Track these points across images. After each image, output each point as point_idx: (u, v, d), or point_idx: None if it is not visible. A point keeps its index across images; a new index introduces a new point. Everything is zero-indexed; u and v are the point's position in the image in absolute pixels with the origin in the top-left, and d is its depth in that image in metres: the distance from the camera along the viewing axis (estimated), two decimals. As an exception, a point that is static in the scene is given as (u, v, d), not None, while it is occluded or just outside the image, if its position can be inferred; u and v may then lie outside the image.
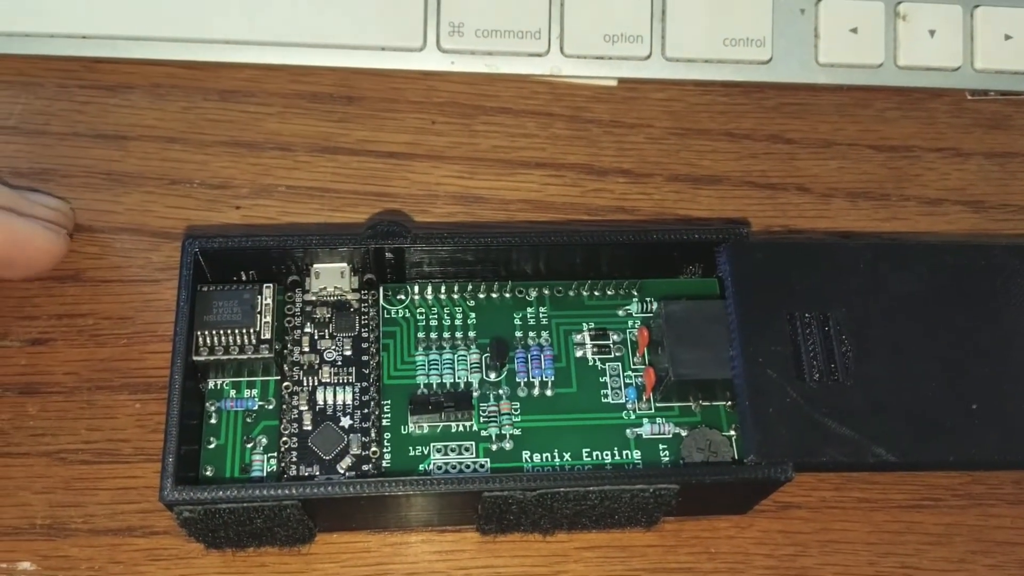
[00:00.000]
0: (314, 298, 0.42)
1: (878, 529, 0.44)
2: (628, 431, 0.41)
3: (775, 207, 0.51)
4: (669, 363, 0.40)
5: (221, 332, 0.40)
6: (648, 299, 0.44)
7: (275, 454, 0.40)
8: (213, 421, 0.41)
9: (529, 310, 0.44)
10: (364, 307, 0.42)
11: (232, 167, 0.49)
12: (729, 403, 0.42)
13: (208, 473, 0.40)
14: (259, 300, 0.40)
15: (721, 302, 0.41)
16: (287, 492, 0.36)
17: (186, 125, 0.50)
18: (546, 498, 0.37)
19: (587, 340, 0.43)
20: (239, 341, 0.40)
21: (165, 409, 0.38)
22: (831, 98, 0.54)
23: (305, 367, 0.41)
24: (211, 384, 0.41)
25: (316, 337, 0.42)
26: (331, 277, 0.42)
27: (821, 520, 0.44)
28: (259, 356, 0.40)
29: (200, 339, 0.40)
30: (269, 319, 0.40)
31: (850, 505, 0.45)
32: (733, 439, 0.41)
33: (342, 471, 0.40)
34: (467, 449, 0.41)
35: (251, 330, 0.40)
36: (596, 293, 0.44)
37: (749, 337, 0.40)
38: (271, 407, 0.41)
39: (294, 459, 0.40)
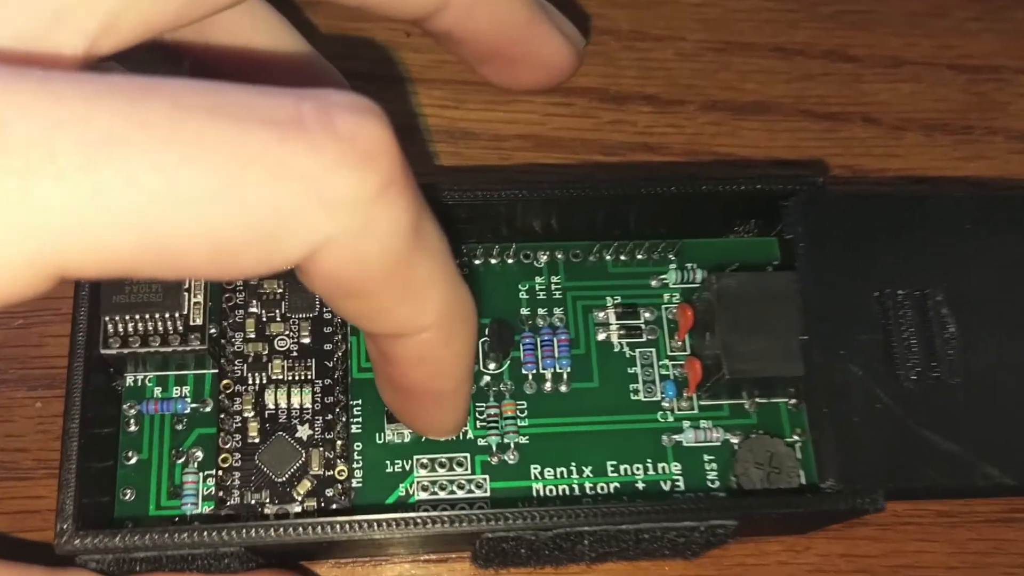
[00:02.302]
0: (261, 267, 0.33)
1: (961, 550, 0.36)
2: (665, 438, 0.33)
3: (836, 143, 0.42)
4: (722, 355, 0.31)
5: (136, 317, 0.30)
6: (689, 265, 0.35)
7: (213, 472, 0.31)
8: (133, 428, 0.31)
9: (538, 280, 0.34)
10: (326, 279, 0.33)
11: None
12: (792, 401, 0.33)
13: (127, 498, 0.31)
14: (187, 273, 0.31)
15: (788, 274, 0.32)
16: (226, 538, 0.27)
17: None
18: (566, 539, 0.29)
19: (612, 319, 0.34)
20: (161, 329, 0.30)
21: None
22: (900, 5, 0.45)
23: (250, 360, 0.32)
24: (129, 380, 0.32)
25: (264, 319, 0.32)
26: (283, 240, 0.33)
27: (892, 540, 0.36)
28: (188, 348, 0.30)
29: (109, 327, 0.30)
30: (200, 298, 0.31)
31: (927, 520, 0.36)
32: (798, 447, 0.32)
33: (299, 497, 0.30)
34: (460, 464, 0.32)
35: (176, 314, 0.30)
36: (623, 257, 0.35)
37: (827, 322, 0.31)
38: (208, 409, 0.32)
39: (237, 481, 0.31)
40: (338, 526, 0.28)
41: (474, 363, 0.27)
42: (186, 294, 0.31)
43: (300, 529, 0.28)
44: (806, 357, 0.31)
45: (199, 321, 0.31)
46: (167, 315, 0.30)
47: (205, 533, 0.27)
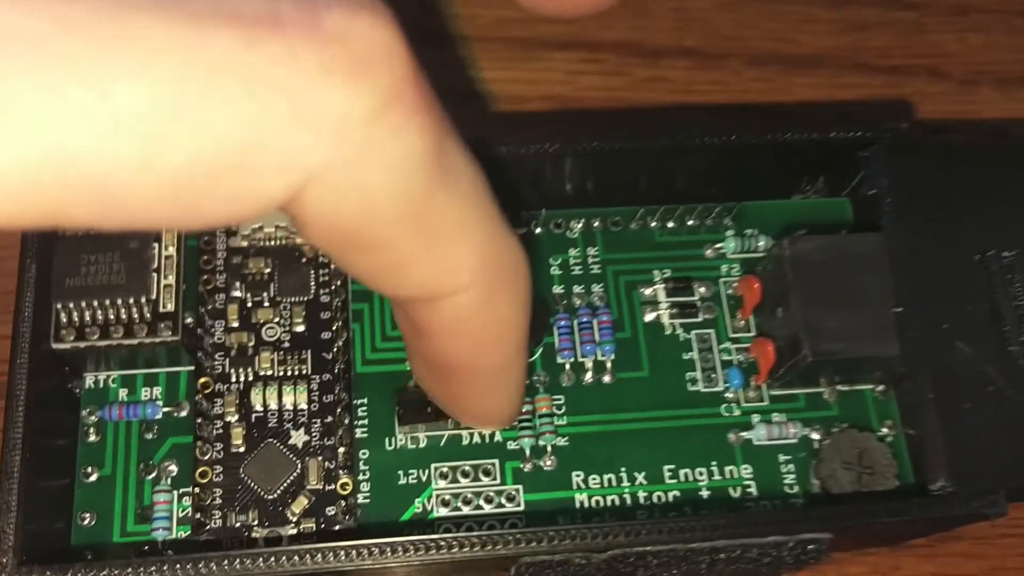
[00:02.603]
0: (245, 243, 0.28)
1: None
2: (731, 436, 0.27)
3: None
4: (801, 333, 0.26)
5: (95, 303, 0.25)
6: (750, 231, 0.29)
7: (190, 491, 0.25)
8: (93, 439, 0.26)
9: (572, 253, 0.29)
10: (322, 255, 0.28)
11: None
12: (880, 387, 0.28)
13: (85, 523, 0.25)
14: (155, 250, 0.26)
15: (875, 236, 0.27)
16: (204, 571, 0.22)
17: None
18: (624, 562, 0.23)
19: (661, 296, 0.29)
20: (124, 317, 0.25)
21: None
22: (965, -57, 0.40)
23: (233, 353, 0.26)
24: (88, 381, 0.27)
25: (249, 305, 0.27)
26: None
27: (991, 556, 0.31)
28: (158, 340, 0.25)
29: (62, 316, 0.25)
30: (172, 280, 0.25)
31: (1033, 530, 0.31)
32: (891, 440, 0.27)
33: (293, 518, 0.25)
34: (487, 472, 0.27)
35: (143, 299, 0.25)
36: (671, 224, 0.30)
37: (923, 290, 0.26)
38: (183, 414, 0.26)
39: (218, 500, 0.25)
40: (342, 553, 0.23)
41: (527, 331, 0.21)
42: (155, 275, 0.26)
43: (296, 558, 0.22)
44: (901, 333, 0.26)
45: (170, 307, 0.25)
46: (131, 300, 0.25)
47: (179, 566, 0.22)
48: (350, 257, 0.18)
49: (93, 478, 0.26)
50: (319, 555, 0.22)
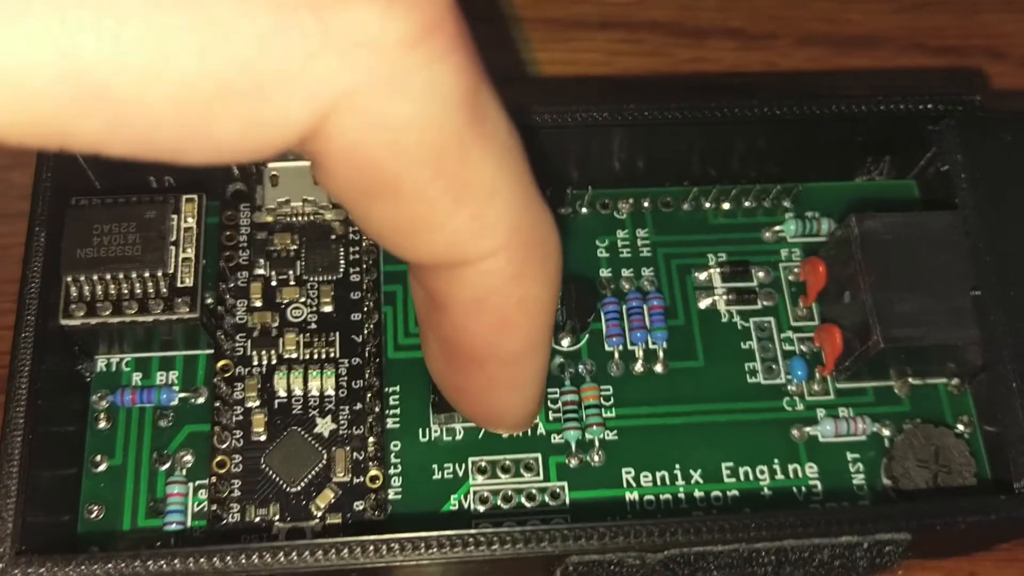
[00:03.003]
0: (270, 218, 0.26)
1: None
2: (795, 432, 0.25)
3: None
4: (872, 319, 0.23)
5: (107, 277, 0.23)
6: (811, 214, 0.27)
7: (206, 483, 0.23)
8: (103, 426, 0.24)
9: (620, 235, 0.27)
10: (353, 233, 0.26)
11: None
12: (955, 381, 0.26)
13: (93, 516, 0.23)
14: (173, 221, 0.24)
15: (950, 214, 0.25)
16: (219, 565, 0.20)
17: None
18: (682, 564, 0.21)
19: (716, 281, 0.27)
20: (139, 291, 0.23)
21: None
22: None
23: (256, 334, 0.25)
24: (100, 364, 0.25)
25: (274, 284, 0.25)
26: (298, 183, 0.26)
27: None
28: (174, 318, 0.23)
29: (72, 289, 0.23)
30: (192, 254, 0.24)
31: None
32: (967, 437, 0.25)
33: (318, 512, 0.23)
34: (528, 467, 0.24)
35: (159, 273, 0.23)
36: (726, 206, 0.28)
37: (1005, 272, 0.23)
38: (201, 400, 0.24)
39: (237, 492, 0.23)
40: (371, 548, 0.21)
41: (554, 317, 0.19)
42: (172, 248, 0.24)
43: (320, 552, 0.20)
44: (980, 318, 0.23)
45: (189, 282, 0.24)
46: (147, 274, 0.23)
47: (191, 559, 0.20)
48: (371, 207, 0.16)
49: (102, 468, 0.24)
50: (345, 550, 0.20)
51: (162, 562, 0.20)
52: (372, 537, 0.21)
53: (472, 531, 0.21)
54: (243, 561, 0.20)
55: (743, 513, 0.23)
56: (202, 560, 0.20)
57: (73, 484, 0.24)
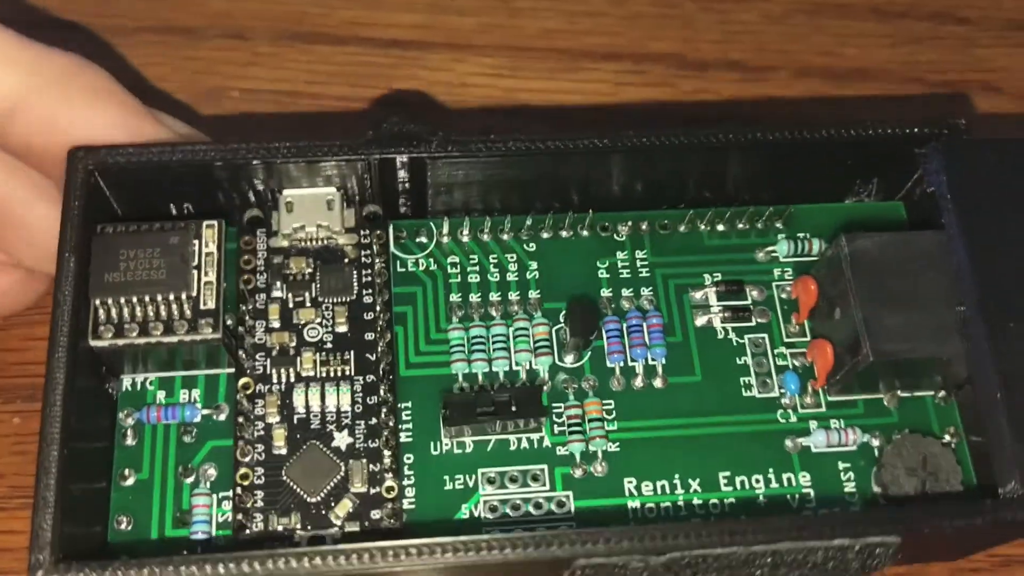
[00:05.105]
0: (286, 243, 0.27)
1: None
2: (788, 443, 0.26)
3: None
4: (862, 333, 0.25)
5: (134, 300, 0.24)
6: (802, 235, 0.29)
7: (230, 495, 0.25)
8: (130, 442, 0.25)
9: (620, 256, 0.28)
10: (365, 256, 0.27)
11: (162, 63, 0.34)
12: (941, 393, 0.27)
13: (122, 527, 0.25)
14: (195, 247, 0.25)
15: (935, 234, 0.26)
16: (247, 570, 0.21)
17: (97, 4, 0.34)
18: (684, 566, 0.22)
19: (712, 299, 0.28)
20: (164, 314, 0.24)
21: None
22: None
23: (274, 353, 0.26)
24: (125, 383, 0.26)
25: (291, 305, 0.26)
26: (312, 210, 0.27)
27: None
28: (198, 338, 0.24)
29: (100, 312, 0.24)
30: (213, 277, 0.25)
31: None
32: (953, 447, 0.26)
33: (337, 521, 0.24)
34: (535, 478, 0.26)
35: (183, 295, 0.24)
36: (720, 227, 0.29)
37: (988, 288, 0.25)
38: (223, 417, 0.26)
39: (260, 503, 0.24)
40: (390, 553, 0.22)
41: None
42: (195, 272, 0.25)
43: (342, 558, 0.21)
44: (965, 333, 0.25)
45: (211, 304, 0.25)
46: (171, 296, 0.24)
47: (221, 565, 0.21)
48: None
49: (129, 482, 0.25)
50: (366, 555, 0.22)
51: (193, 567, 0.21)
52: (391, 543, 0.22)
53: (486, 537, 0.22)
54: (270, 566, 0.21)
55: (741, 519, 0.24)
56: (231, 565, 0.21)
57: (102, 497, 0.25)
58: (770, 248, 0.29)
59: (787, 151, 0.27)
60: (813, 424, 0.27)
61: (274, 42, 0.35)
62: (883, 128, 0.27)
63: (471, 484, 0.25)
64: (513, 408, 0.25)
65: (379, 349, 0.26)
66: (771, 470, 0.26)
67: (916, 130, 0.27)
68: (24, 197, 0.26)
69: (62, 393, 0.23)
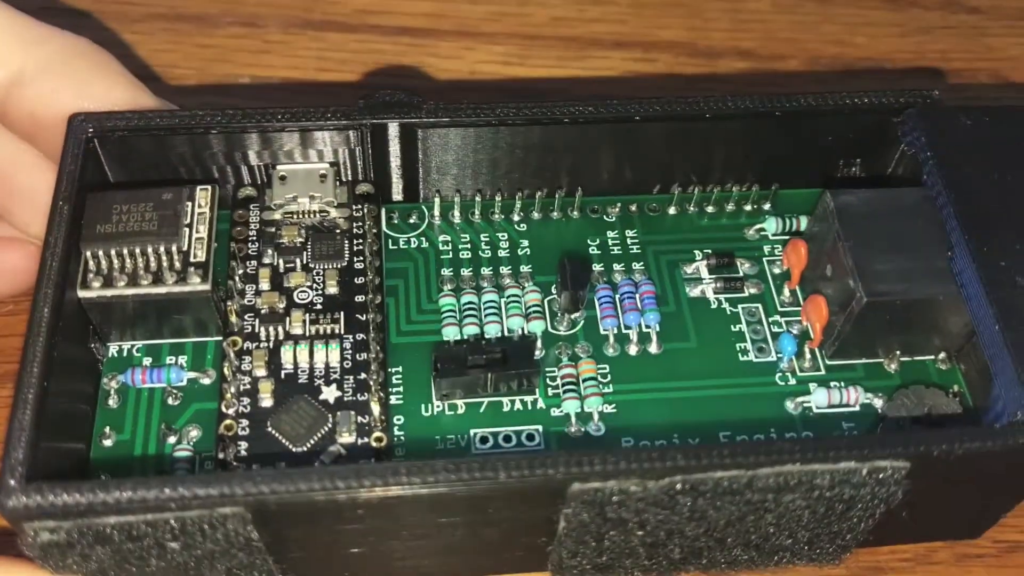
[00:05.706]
0: (279, 216, 0.27)
1: None
2: (789, 403, 0.26)
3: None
4: (853, 277, 0.24)
5: (124, 251, 0.24)
6: (790, 215, 0.29)
7: (212, 452, 0.24)
8: (113, 403, 0.25)
9: (611, 235, 0.29)
10: (357, 228, 0.27)
11: (172, 49, 0.35)
12: (942, 356, 0.26)
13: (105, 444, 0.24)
14: (188, 207, 0.25)
15: (918, 190, 0.26)
16: (226, 492, 0.20)
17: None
18: (682, 492, 0.21)
19: (704, 273, 0.28)
20: (154, 264, 0.24)
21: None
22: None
23: (263, 313, 0.25)
24: (112, 350, 0.25)
25: (282, 270, 0.26)
26: (305, 182, 0.27)
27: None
28: (187, 289, 0.24)
29: (91, 263, 0.24)
30: (204, 234, 0.25)
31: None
32: (952, 395, 0.26)
33: (325, 470, 0.23)
34: (530, 437, 0.25)
35: (174, 247, 0.24)
36: (710, 209, 0.29)
37: (974, 230, 0.25)
38: (209, 381, 0.25)
39: (243, 453, 0.23)
40: (377, 477, 0.21)
41: None
42: (187, 229, 0.25)
43: (327, 481, 0.20)
44: (957, 272, 0.25)
45: (201, 256, 0.25)
46: (162, 248, 0.24)
47: (198, 486, 0.20)
48: None
49: (109, 442, 0.24)
50: (353, 478, 0.21)
51: (173, 489, 0.20)
52: (377, 464, 0.21)
53: (476, 457, 0.21)
54: (252, 487, 0.20)
55: (742, 439, 0.23)
56: (211, 488, 0.20)
57: (83, 457, 0.24)
58: (759, 226, 0.29)
59: (769, 125, 0.28)
60: (814, 385, 0.26)
61: (285, 30, 0.36)
62: (860, 98, 0.28)
63: (463, 442, 0.25)
64: (506, 365, 0.25)
65: (369, 310, 0.26)
66: (772, 430, 0.25)
67: (893, 99, 0.28)
68: (30, 169, 0.27)
69: (45, 336, 0.22)
